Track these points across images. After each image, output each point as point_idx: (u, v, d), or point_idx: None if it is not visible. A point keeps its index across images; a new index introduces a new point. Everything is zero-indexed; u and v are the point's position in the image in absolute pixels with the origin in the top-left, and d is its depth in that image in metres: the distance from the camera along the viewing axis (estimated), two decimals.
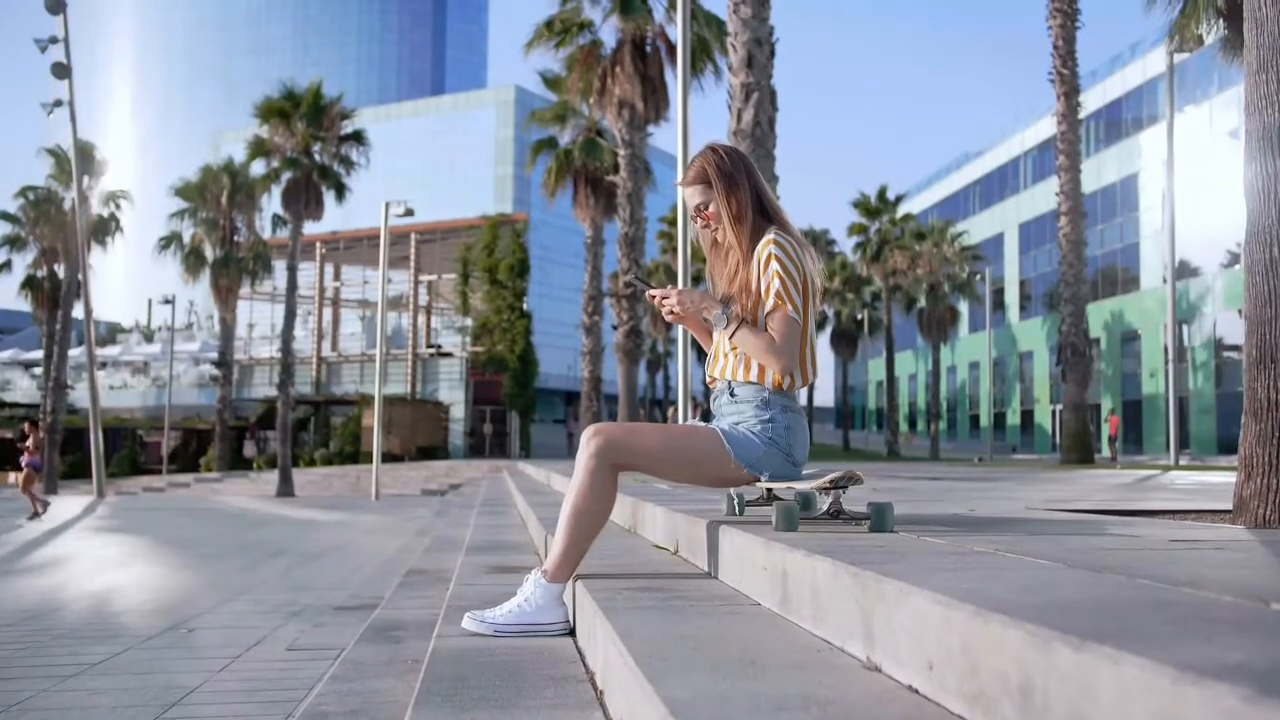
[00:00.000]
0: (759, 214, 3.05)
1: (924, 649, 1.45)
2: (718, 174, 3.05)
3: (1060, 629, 1.14)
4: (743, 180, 3.05)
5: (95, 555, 9.81)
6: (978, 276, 46.07)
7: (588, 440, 2.86)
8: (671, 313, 3.03)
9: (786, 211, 3.09)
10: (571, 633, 2.80)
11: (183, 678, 3.84)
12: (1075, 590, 1.54)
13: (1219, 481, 9.08)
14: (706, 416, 3.23)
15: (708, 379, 3.14)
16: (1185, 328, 37.43)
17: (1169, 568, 1.84)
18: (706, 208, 3.08)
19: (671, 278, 43.41)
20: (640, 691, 1.58)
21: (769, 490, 3.19)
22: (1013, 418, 53.76)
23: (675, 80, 17.56)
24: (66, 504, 22.68)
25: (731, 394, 2.99)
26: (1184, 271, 35.83)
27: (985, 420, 50.46)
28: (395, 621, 4.03)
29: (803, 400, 3.29)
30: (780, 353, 2.87)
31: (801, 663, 1.69)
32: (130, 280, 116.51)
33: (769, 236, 2.95)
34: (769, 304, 2.91)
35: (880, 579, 1.64)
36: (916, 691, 1.47)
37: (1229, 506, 4.20)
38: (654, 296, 3.06)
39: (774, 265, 2.91)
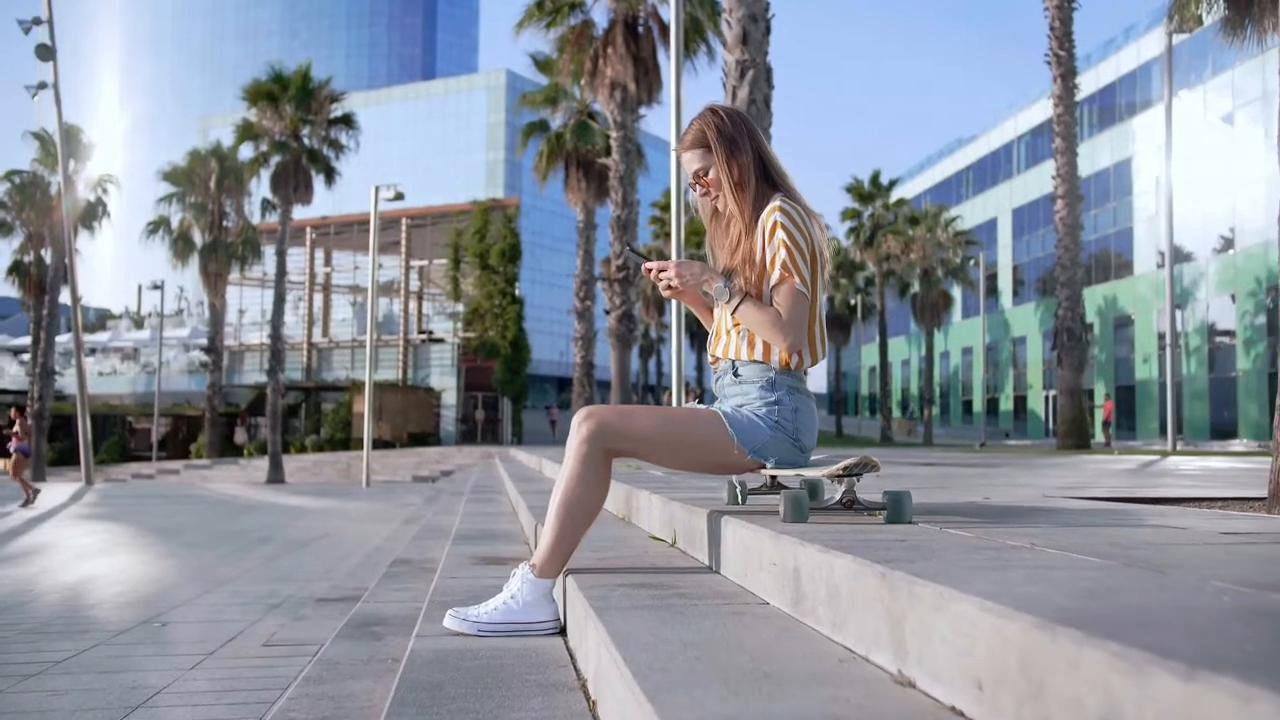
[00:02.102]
0: (762, 180, 2.83)
1: (971, 665, 1.24)
2: (718, 137, 2.83)
3: (1154, 649, 0.93)
4: (745, 144, 2.83)
5: (76, 544, 9.58)
6: (971, 261, 45.89)
7: (579, 424, 2.65)
8: (669, 287, 2.81)
9: (792, 178, 2.88)
10: (562, 631, 2.59)
11: (150, 677, 3.62)
12: (1144, 595, 1.33)
13: (1224, 467, 8.92)
14: (701, 402, 3.02)
15: (709, 359, 2.93)
16: (1179, 313, 37.29)
17: (1237, 567, 1.63)
18: (706, 174, 2.86)
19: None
20: (638, 711, 1.37)
21: (773, 478, 2.98)
22: (1005, 403, 53.66)
23: (668, 61, 17.32)
24: (54, 491, 22.42)
25: (735, 374, 2.78)
26: (1177, 256, 35.66)
27: (978, 406, 50.39)
28: (376, 616, 3.82)
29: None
30: (787, 328, 2.66)
31: (822, 675, 1.48)
32: (120, 266, 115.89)
33: (774, 204, 2.73)
34: (774, 276, 2.69)
35: (913, 581, 1.43)
36: (962, 714, 1.26)
37: (1248, 494, 4.01)
38: (650, 270, 2.84)
39: (779, 234, 2.69)
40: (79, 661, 3.90)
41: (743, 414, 2.69)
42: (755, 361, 2.75)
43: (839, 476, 2.45)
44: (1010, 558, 1.72)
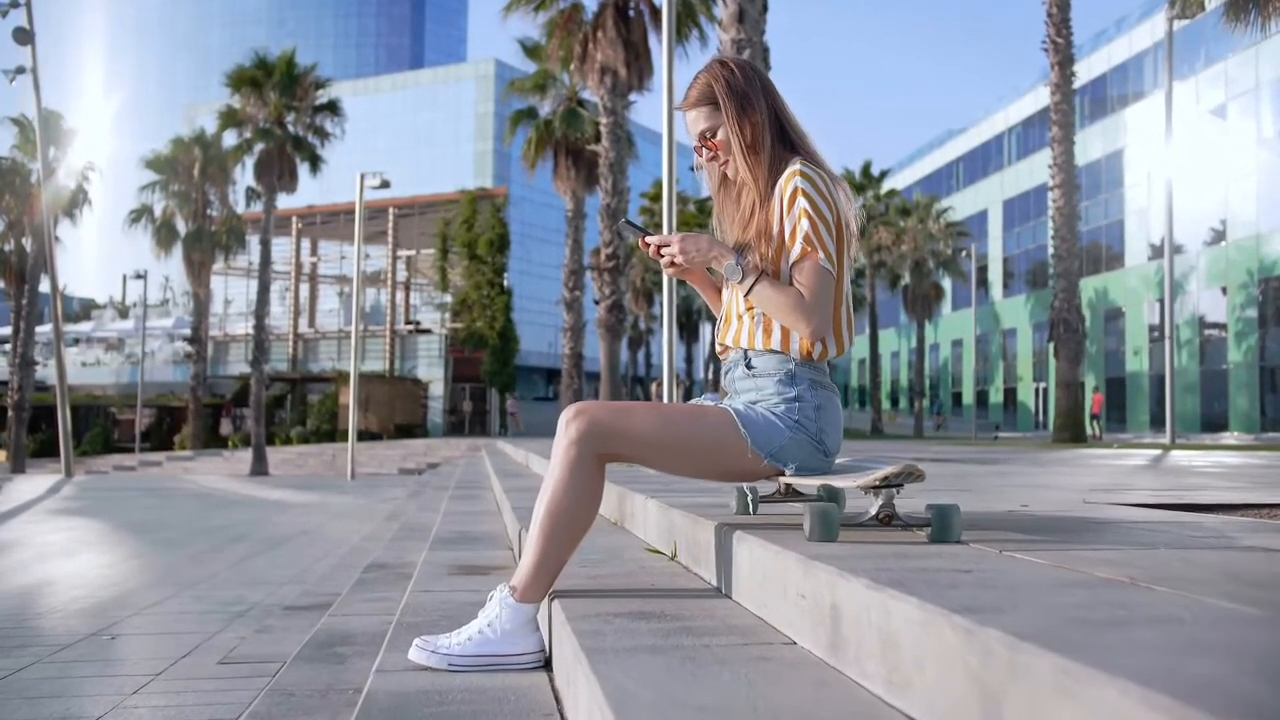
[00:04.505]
0: (779, 141, 2.44)
1: None
2: (728, 92, 2.43)
3: None
4: (759, 100, 2.44)
5: (42, 542, 9.18)
6: (963, 253, 45.59)
7: (567, 423, 2.26)
8: (672, 264, 2.43)
9: (813, 139, 2.49)
10: (547, 664, 2.22)
11: (86, 704, 3.23)
12: None
13: (1239, 463, 8.62)
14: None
15: (718, 347, 2.55)
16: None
17: None
18: (713, 135, 2.47)
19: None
20: None
21: (787, 485, 2.61)
22: (995, 395, 53.48)
23: (660, 45, 16.89)
24: (31, 483, 21.99)
25: (748, 366, 2.40)
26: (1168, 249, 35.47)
27: (968, 398, 50.13)
28: (342, 633, 3.45)
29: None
30: (810, 311, 2.27)
31: None
32: (105, 255, 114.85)
33: (793, 168, 2.35)
34: (795, 251, 2.31)
35: (1017, 645, 1.06)
36: None
37: None
38: (649, 244, 2.46)
39: (800, 202, 2.31)
40: (10, 684, 3.51)
41: (757, 412, 2.31)
42: (772, 351, 2.36)
43: (875, 488, 2.07)
44: (1121, 601, 1.35)
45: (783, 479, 2.32)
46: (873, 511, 2.10)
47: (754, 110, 2.42)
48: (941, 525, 2.03)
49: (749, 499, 2.70)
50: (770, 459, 2.28)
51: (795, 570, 1.79)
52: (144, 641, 4.34)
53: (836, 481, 2.12)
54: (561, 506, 2.23)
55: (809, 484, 2.26)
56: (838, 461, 2.41)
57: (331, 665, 3.01)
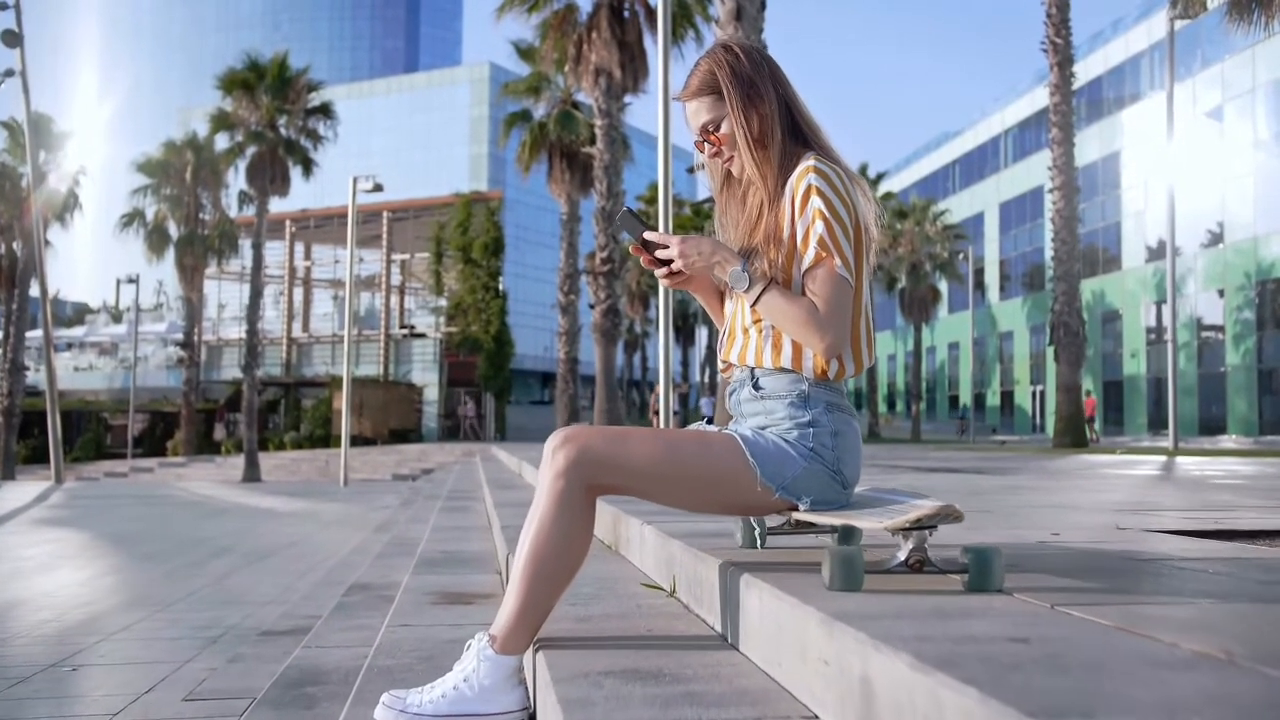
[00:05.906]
0: (789, 135, 2.18)
1: None
2: (732, 79, 2.18)
3: None
4: (767, 89, 2.18)
5: (20, 556, 8.89)
6: (960, 256, 45.38)
7: (554, 451, 2.01)
8: (670, 272, 2.18)
9: (827, 133, 2.24)
10: None
11: None
12: None
13: (1250, 471, 8.40)
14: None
15: (720, 364, 2.29)
16: (1165, 307, 36.90)
17: None
18: (716, 128, 2.21)
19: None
20: None
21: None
22: (992, 399, 53.30)
23: (655, 46, 16.67)
24: (20, 491, 21.65)
25: (755, 386, 2.14)
26: (1164, 251, 35.31)
27: (965, 401, 49.93)
28: (314, 668, 3.19)
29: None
30: (825, 325, 2.02)
31: None
32: (99, 259, 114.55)
33: (806, 164, 2.09)
34: (808, 256, 2.05)
35: None
36: None
37: None
38: (645, 246, 2.19)
39: (815, 202, 2.05)
40: None
41: (767, 439, 2.05)
42: (782, 370, 2.11)
43: (905, 531, 1.80)
44: (1235, 696, 1.08)
45: (799, 515, 2.06)
46: (902, 557, 1.83)
47: (762, 100, 2.17)
48: (980, 572, 1.77)
49: (756, 531, 2.44)
50: (782, 492, 2.03)
51: (816, 630, 1.54)
52: (107, 673, 4.07)
53: (859, 521, 1.86)
54: (547, 547, 1.98)
55: (825, 520, 1.99)
56: (856, 491, 2.15)
57: (299, 711, 2.75)
